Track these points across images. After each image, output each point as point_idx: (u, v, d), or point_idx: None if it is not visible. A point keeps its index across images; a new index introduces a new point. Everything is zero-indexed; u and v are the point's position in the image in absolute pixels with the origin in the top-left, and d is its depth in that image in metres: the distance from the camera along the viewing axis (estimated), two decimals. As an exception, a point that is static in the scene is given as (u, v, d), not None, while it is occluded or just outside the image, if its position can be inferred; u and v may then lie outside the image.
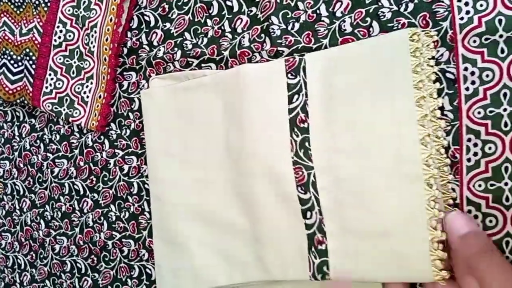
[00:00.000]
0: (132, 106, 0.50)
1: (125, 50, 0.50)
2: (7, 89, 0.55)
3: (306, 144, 0.38)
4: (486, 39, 0.34)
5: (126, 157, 0.51)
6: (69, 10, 0.52)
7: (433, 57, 0.36)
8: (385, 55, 0.36)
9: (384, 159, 0.35)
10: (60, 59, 0.53)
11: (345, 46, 0.39)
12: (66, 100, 0.52)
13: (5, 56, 0.57)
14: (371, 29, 0.38)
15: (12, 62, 0.56)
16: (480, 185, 0.35)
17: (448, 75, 0.36)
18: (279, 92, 0.40)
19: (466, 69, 0.35)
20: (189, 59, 0.46)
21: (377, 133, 0.36)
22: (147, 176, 0.49)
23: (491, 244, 0.32)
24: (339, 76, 0.38)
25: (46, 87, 0.53)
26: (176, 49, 0.47)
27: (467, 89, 0.35)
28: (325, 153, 0.38)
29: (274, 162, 0.39)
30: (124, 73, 0.51)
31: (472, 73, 0.35)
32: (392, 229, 0.34)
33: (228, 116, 0.42)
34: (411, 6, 0.37)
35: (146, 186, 0.49)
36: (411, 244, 0.34)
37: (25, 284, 0.58)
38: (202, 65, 0.46)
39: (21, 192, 0.58)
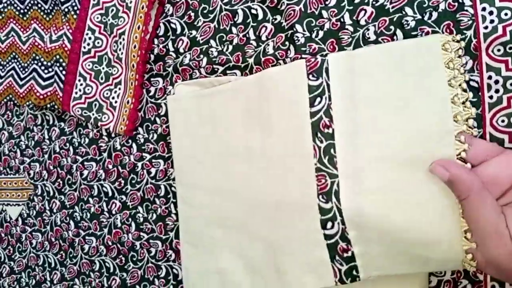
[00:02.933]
0: (159, 111, 0.52)
1: (152, 57, 0.52)
2: (38, 94, 0.57)
3: (332, 151, 0.37)
4: (511, 48, 0.35)
5: (153, 160, 0.52)
6: (97, 18, 0.54)
7: (462, 65, 0.35)
8: (416, 63, 0.35)
9: (415, 172, 0.34)
10: (89, 65, 0.54)
11: (371, 48, 0.38)
12: (95, 105, 0.54)
13: (36, 62, 0.59)
14: (395, 37, 0.39)
15: (42, 68, 0.58)
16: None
17: (472, 83, 0.36)
18: (300, 94, 0.39)
19: (490, 77, 0.36)
20: (214, 66, 0.47)
21: (407, 146, 0.35)
22: (173, 179, 0.50)
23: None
24: (364, 78, 0.37)
25: (76, 92, 0.55)
26: (201, 56, 0.48)
27: (491, 97, 0.36)
28: (351, 161, 0.37)
29: (296, 168, 0.39)
30: (151, 79, 0.52)
31: (496, 82, 0.36)
32: (431, 240, 0.34)
33: (249, 122, 0.43)
34: (435, 14, 0.38)
35: (173, 188, 0.51)
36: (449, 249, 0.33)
37: (55, 282, 0.60)
38: (228, 72, 0.47)
39: (51, 194, 0.60)
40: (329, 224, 0.37)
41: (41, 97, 0.57)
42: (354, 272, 0.37)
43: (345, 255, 0.37)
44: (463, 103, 0.34)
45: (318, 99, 0.38)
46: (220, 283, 0.44)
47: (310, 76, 0.39)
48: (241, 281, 0.44)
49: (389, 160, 0.35)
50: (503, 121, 0.35)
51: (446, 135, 0.34)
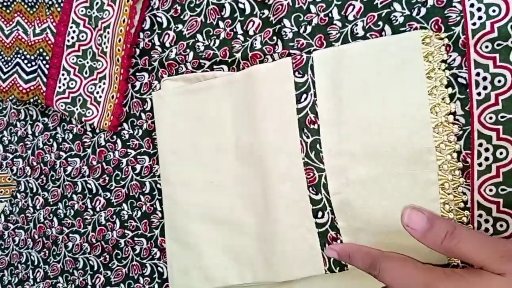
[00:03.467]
0: (145, 107, 0.51)
1: (138, 51, 0.51)
2: (21, 88, 0.56)
3: (317, 146, 0.39)
4: (499, 44, 0.35)
5: (139, 156, 0.51)
6: (82, 11, 0.52)
7: (444, 61, 0.36)
8: (397, 56, 0.36)
9: (396, 164, 0.36)
10: (73, 59, 0.53)
11: (354, 44, 0.39)
12: (79, 100, 0.53)
13: (19, 56, 0.57)
14: (383, 33, 0.39)
15: (26, 61, 0.56)
16: (491, 190, 0.35)
17: (460, 80, 0.36)
18: (287, 91, 0.40)
19: (478, 74, 0.35)
20: (201, 61, 0.46)
21: (388, 139, 0.36)
22: (159, 176, 0.49)
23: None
24: (349, 74, 0.38)
25: (59, 87, 0.54)
26: (188, 50, 0.47)
27: (479, 94, 0.36)
28: (335, 155, 0.38)
29: (285, 163, 0.40)
30: (137, 73, 0.51)
31: (484, 79, 0.35)
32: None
33: (238, 118, 0.43)
34: (423, 10, 0.37)
35: (158, 185, 0.50)
36: None
37: (38, 280, 0.59)
38: (214, 67, 0.46)
39: (34, 190, 0.59)
40: (320, 214, 0.39)
41: (24, 91, 0.56)
42: (343, 261, 0.38)
43: (334, 243, 0.39)
44: (443, 98, 0.35)
45: (304, 95, 0.39)
46: (206, 279, 0.44)
47: (296, 73, 0.40)
48: (227, 276, 0.43)
49: (371, 153, 0.36)
50: (491, 118, 0.35)
51: (424, 126, 0.35)
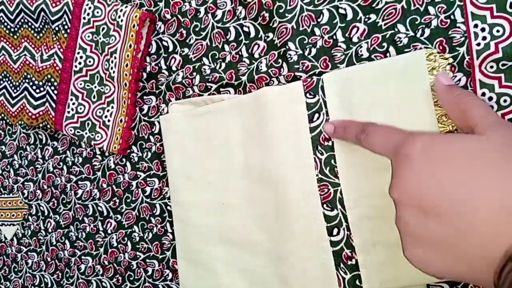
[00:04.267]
0: (153, 130, 0.51)
1: (145, 75, 0.51)
2: (30, 114, 0.57)
3: (332, 161, 0.40)
4: (503, 64, 0.35)
5: (148, 179, 0.52)
6: (88, 36, 0.53)
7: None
8: (403, 73, 0.37)
9: None
10: (81, 84, 0.54)
11: (361, 66, 0.39)
12: (88, 124, 0.54)
13: (27, 81, 0.58)
14: (388, 54, 0.39)
15: (34, 87, 0.57)
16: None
17: (466, 100, 0.36)
18: (299, 111, 0.41)
19: (483, 94, 0.36)
20: (207, 84, 0.47)
21: None
22: (169, 198, 0.50)
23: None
24: (357, 94, 0.39)
25: (68, 112, 0.54)
26: (194, 73, 0.48)
27: (485, 114, 0.36)
28: (348, 170, 0.39)
29: (298, 180, 0.40)
30: (144, 97, 0.52)
31: (490, 99, 0.35)
32: None
33: (247, 139, 0.43)
34: (427, 31, 0.37)
35: (168, 207, 0.50)
36: None
37: (52, 302, 0.59)
38: (221, 89, 0.47)
39: (46, 213, 0.60)
40: (335, 231, 0.40)
41: (33, 117, 0.57)
42: (358, 282, 0.38)
43: (349, 262, 0.39)
44: None
45: (317, 115, 0.40)
46: None
47: (307, 95, 0.41)
48: None
49: (384, 165, 0.36)
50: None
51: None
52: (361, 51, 0.40)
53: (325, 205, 0.40)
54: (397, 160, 0.29)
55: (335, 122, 0.39)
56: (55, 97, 0.55)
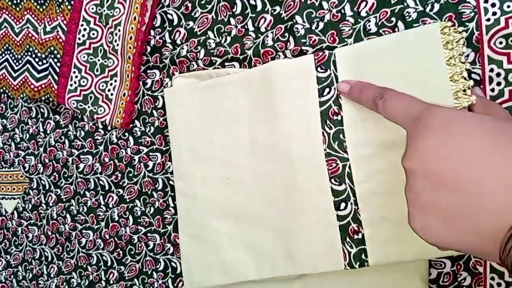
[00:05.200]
0: (156, 104, 0.51)
1: (149, 49, 0.51)
2: (32, 86, 0.56)
3: (341, 136, 0.39)
4: (513, 40, 0.35)
5: (151, 153, 0.52)
6: (92, 8, 0.53)
7: (462, 53, 0.36)
8: (416, 46, 0.36)
9: None
10: (84, 57, 0.54)
11: (374, 40, 0.39)
12: (91, 97, 0.53)
13: (29, 54, 0.58)
14: (396, 29, 0.39)
15: (36, 59, 0.57)
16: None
17: (473, 76, 0.36)
18: (309, 85, 0.40)
19: (491, 70, 0.36)
20: (212, 58, 0.47)
21: None
22: (171, 173, 0.50)
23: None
24: (370, 67, 0.38)
25: (71, 85, 0.54)
26: (199, 47, 0.47)
27: (492, 90, 0.36)
28: (359, 145, 0.39)
29: (306, 155, 0.40)
30: (148, 71, 0.51)
31: (498, 75, 0.35)
32: None
33: (254, 113, 0.43)
34: (436, 6, 0.37)
35: (171, 182, 0.50)
36: None
37: (52, 275, 0.60)
38: (226, 63, 0.46)
39: (47, 187, 0.59)
40: (342, 205, 0.39)
41: (36, 89, 0.56)
42: (363, 256, 0.38)
43: (355, 237, 0.39)
44: (464, 91, 0.34)
45: (327, 89, 0.40)
46: (224, 274, 0.44)
47: (319, 69, 0.40)
48: (246, 271, 0.44)
49: (397, 141, 0.37)
50: (506, 113, 0.35)
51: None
52: (369, 25, 0.40)
53: (333, 180, 0.40)
54: (415, 129, 0.29)
55: (351, 81, 0.39)
56: (58, 70, 0.55)
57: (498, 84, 0.35)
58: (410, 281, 0.39)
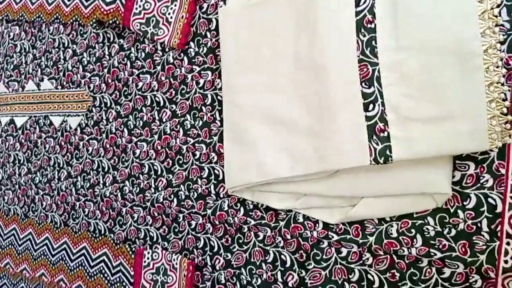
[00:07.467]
0: (210, 26, 0.56)
1: (207, -25, 0.56)
2: (102, 9, 0.63)
3: (373, 42, 0.43)
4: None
5: (202, 72, 0.57)
6: None
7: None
8: None
9: (447, 54, 0.39)
10: (149, -17, 0.60)
11: None
12: (153, 20, 0.59)
13: (101, -17, 0.64)
14: None
15: (107, -14, 0.63)
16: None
17: None
18: None
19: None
20: (264, -19, 0.51)
21: (440, 31, 0.40)
22: (220, 89, 0.55)
23: None
24: None
25: (136, 8, 0.60)
26: (253, -28, 0.52)
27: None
28: (391, 51, 0.42)
29: (339, 62, 0.44)
30: (205, -5, 0.57)
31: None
32: (456, 112, 0.39)
33: (298, 28, 0.47)
34: None
35: (219, 97, 0.55)
36: (473, 120, 0.39)
37: (107, 184, 0.67)
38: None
39: (108, 104, 0.66)
40: (371, 106, 0.43)
41: (105, 12, 0.63)
42: (388, 152, 0.42)
43: (381, 135, 0.42)
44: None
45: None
46: (260, 173, 0.49)
47: None
48: (280, 169, 0.48)
49: (423, 48, 0.40)
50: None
51: (471, 15, 0.39)
52: None
53: (363, 84, 0.43)
54: None
55: None
56: (125, -5, 0.61)
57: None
58: (435, 176, 0.42)
